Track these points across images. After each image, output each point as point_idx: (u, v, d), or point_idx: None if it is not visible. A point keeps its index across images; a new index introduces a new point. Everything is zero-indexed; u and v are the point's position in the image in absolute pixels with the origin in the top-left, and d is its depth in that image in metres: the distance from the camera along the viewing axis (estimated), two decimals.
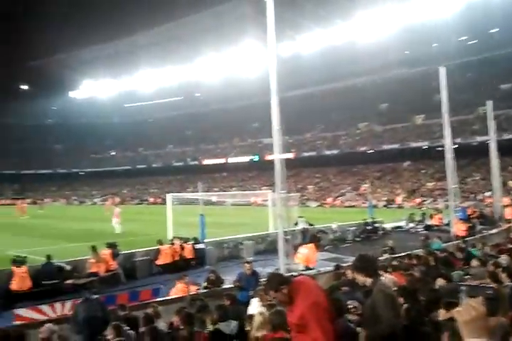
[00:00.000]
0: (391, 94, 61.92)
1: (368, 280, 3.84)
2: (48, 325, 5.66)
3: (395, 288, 5.41)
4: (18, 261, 11.19)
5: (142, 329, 5.64)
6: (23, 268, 11.11)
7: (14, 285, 10.87)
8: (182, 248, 15.09)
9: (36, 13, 73.01)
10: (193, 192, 46.88)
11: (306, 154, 60.70)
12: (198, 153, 76.47)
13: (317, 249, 12.18)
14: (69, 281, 11.79)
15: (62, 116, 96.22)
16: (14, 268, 10.97)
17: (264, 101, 17.06)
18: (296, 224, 17.82)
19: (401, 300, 4.73)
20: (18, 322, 7.35)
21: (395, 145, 53.64)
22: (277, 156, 11.84)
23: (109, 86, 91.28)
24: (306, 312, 3.59)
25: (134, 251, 14.61)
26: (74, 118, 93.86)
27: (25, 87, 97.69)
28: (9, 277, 10.99)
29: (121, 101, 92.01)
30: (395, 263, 9.05)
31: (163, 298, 8.53)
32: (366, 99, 63.35)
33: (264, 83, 15.20)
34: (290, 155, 49.64)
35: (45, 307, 7.94)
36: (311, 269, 11.83)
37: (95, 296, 7.11)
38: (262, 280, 8.40)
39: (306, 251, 11.35)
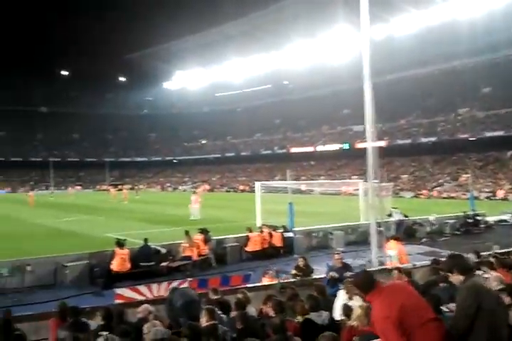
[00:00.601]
0: (495, 77, 57.16)
1: (461, 278, 3.82)
2: (145, 305, 5.98)
3: (501, 286, 5.02)
4: (121, 243, 11.97)
5: (233, 313, 5.75)
6: (125, 250, 11.88)
7: (115, 265, 11.65)
8: (271, 236, 15.24)
9: (131, 8, 76.93)
10: (280, 180, 47.34)
11: (400, 142, 58.27)
12: (285, 141, 76.63)
13: (401, 242, 11.59)
14: (164, 264, 12.42)
15: (156, 106, 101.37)
16: (117, 250, 11.75)
17: (355, 87, 16.54)
18: (390, 215, 17.24)
19: (507, 299, 4.43)
20: (118, 301, 7.86)
21: (499, 133, 49.54)
22: (370, 144, 11.43)
23: (200, 76, 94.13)
24: (377, 323, 3.60)
25: (224, 237, 15.03)
26: (167, 108, 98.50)
27: (122, 79, 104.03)
28: (111, 258, 11.80)
29: (211, 91, 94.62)
30: (499, 259, 8.36)
31: (253, 285, 8.66)
32: (467, 82, 59.08)
33: (355, 68, 14.69)
34: (383, 143, 47.91)
35: (142, 288, 8.41)
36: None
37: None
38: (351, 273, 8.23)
39: (394, 252, 10.84)
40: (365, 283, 3.77)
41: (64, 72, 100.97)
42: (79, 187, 65.97)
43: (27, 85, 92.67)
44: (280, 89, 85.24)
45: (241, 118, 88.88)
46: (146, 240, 12.70)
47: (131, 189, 57.07)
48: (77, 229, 21.40)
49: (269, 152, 75.61)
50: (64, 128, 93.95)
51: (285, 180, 25.78)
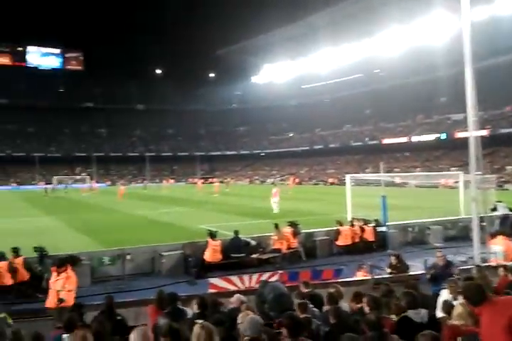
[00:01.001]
0: None
1: None
2: (237, 296, 6.11)
3: None
4: (213, 235, 12.38)
5: (326, 308, 5.68)
6: (217, 242, 12.27)
7: (207, 256, 12.08)
8: (362, 230, 14.88)
9: (218, 5, 78.75)
10: (371, 172, 46.03)
11: (504, 131, 54.00)
12: (377, 132, 74.35)
13: (509, 238, 10.70)
14: (254, 256, 12.64)
15: (245, 100, 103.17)
16: (210, 241, 12.17)
17: (453, 73, 15.61)
18: (493, 209, 16.03)
19: None
20: (211, 291, 8.13)
21: None
22: (472, 133, 10.67)
23: (288, 69, 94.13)
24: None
25: (314, 230, 14.93)
26: (255, 102, 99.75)
27: (212, 75, 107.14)
28: (203, 249, 12.24)
29: (298, 83, 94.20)
30: None
31: (346, 279, 8.51)
32: None
33: (452, 53, 13.84)
34: (485, 132, 44.68)
35: (234, 279, 8.62)
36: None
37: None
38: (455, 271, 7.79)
39: (501, 249, 10.04)
40: (476, 295, 3.63)
41: (158, 71, 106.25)
42: (172, 181, 69.09)
43: (125, 85, 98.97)
44: (371, 78, 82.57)
45: (329, 109, 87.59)
46: (236, 232, 12.99)
47: (220, 182, 58.66)
48: (172, 220, 22.48)
49: (359, 143, 73.87)
50: (159, 124, 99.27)
51: (377, 173, 24.97)
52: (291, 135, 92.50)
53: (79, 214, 27.09)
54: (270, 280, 7.68)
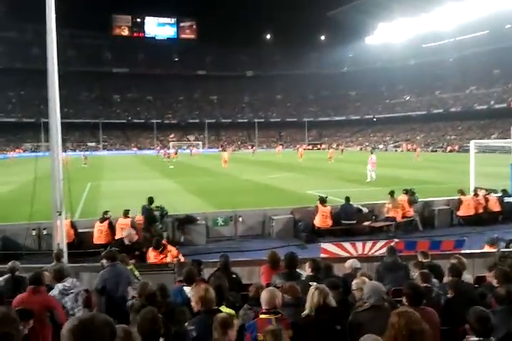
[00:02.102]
0: None
1: None
2: (352, 261, 6.04)
3: None
4: (323, 200, 12.35)
5: (446, 279, 5.42)
6: (327, 208, 12.21)
7: (317, 221, 12.12)
8: (486, 200, 13.85)
9: None
10: (499, 138, 42.32)
11: None
12: (506, 94, 67.70)
13: None
14: (366, 223, 12.40)
15: (357, 62, 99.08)
16: (320, 206, 12.17)
17: None
18: None
19: None
20: (323, 255, 8.16)
21: None
22: None
23: (405, 27, 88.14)
24: None
25: (433, 199, 14.22)
26: (369, 64, 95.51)
27: (323, 38, 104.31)
28: (313, 214, 12.29)
29: (417, 43, 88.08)
30: None
31: (468, 251, 8.02)
32: None
33: None
34: None
35: (347, 245, 8.54)
36: None
37: None
38: None
39: None
40: None
41: (268, 37, 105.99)
42: (281, 147, 69.76)
43: (235, 52, 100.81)
44: (500, 35, 74.30)
45: (452, 70, 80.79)
46: (347, 198, 12.80)
47: (333, 148, 57.74)
48: (282, 185, 22.82)
49: (484, 107, 67.98)
50: (268, 90, 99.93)
51: (505, 138, 22.87)
52: (408, 98, 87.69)
53: (192, 177, 28.66)
54: (384, 247, 7.47)
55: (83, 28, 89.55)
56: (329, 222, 12.18)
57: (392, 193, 12.88)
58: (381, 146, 72.32)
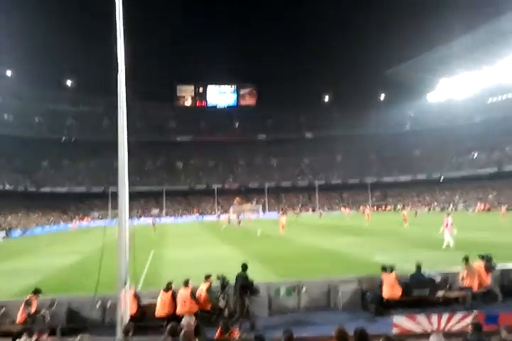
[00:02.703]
0: None
1: None
2: (436, 338, 5.65)
3: None
4: (386, 269, 11.79)
5: None
6: (392, 276, 11.65)
7: (385, 292, 11.52)
8: None
9: (381, 23, 78.00)
10: None
11: None
12: None
13: None
14: (440, 293, 11.66)
15: (420, 121, 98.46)
16: (384, 275, 11.63)
17: None
18: None
19: None
20: (395, 330, 7.67)
21: None
22: None
23: (468, 82, 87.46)
24: None
25: (508, 263, 13.25)
26: (431, 122, 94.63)
27: (382, 97, 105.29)
28: (380, 283, 11.73)
29: (482, 98, 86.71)
30: None
31: None
32: None
33: None
34: None
35: (421, 318, 8.01)
36: None
37: None
38: None
39: None
40: None
41: (326, 98, 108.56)
42: (348, 209, 68.62)
43: (293, 114, 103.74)
44: None
45: None
46: (418, 266, 12.17)
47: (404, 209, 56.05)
48: (348, 251, 22.17)
49: None
50: (328, 151, 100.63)
51: None
52: (476, 155, 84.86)
53: (254, 244, 28.52)
54: (463, 321, 6.95)
55: (149, 99, 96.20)
56: (398, 293, 11.55)
57: (466, 259, 12.13)
58: (451, 206, 69.37)
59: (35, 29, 72.55)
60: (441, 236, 23.01)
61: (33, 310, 9.79)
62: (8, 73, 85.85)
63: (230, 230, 43.20)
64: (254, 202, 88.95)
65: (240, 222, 49.44)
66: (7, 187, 70.89)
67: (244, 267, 11.02)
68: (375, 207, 79.15)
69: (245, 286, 10.59)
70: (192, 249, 27.01)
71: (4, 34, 65.32)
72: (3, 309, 10.34)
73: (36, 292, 10.25)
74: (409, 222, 39.25)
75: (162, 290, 10.51)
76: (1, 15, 63.78)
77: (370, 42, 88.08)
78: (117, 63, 7.88)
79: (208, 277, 10.94)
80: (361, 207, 72.86)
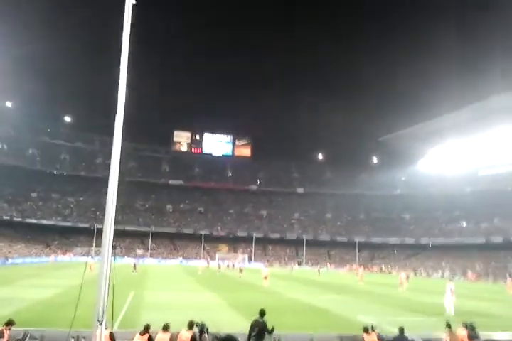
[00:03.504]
0: None
1: None
2: None
3: None
4: (366, 329, 11.54)
5: None
6: (373, 337, 11.37)
7: None
8: None
9: (379, 94, 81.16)
10: None
11: None
12: None
13: None
14: None
15: (411, 186, 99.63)
16: (365, 336, 11.36)
17: None
18: None
19: None
20: None
21: None
22: None
23: (459, 153, 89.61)
24: None
25: (494, 333, 13.05)
26: (422, 188, 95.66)
27: (374, 161, 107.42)
28: None
29: (474, 170, 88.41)
30: None
31: None
32: None
33: None
34: None
35: None
36: None
37: None
38: None
39: None
40: None
41: (319, 156, 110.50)
42: (331, 266, 67.76)
43: (286, 169, 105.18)
44: None
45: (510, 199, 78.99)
46: (401, 329, 11.95)
47: (380, 271, 55.43)
48: (329, 307, 21.74)
49: None
50: (318, 208, 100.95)
51: None
52: (465, 225, 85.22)
53: (237, 292, 27.97)
54: None
55: (145, 142, 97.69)
56: None
57: (449, 326, 11.94)
58: (436, 274, 68.70)
59: (39, 63, 74.73)
60: (438, 301, 22.81)
61: None
62: (9, 104, 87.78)
63: (214, 277, 42.41)
64: (241, 251, 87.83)
65: (219, 268, 48.88)
66: None
67: (262, 313, 10.80)
68: (362, 267, 78.13)
69: (262, 333, 10.39)
70: (173, 293, 26.45)
71: (7, 66, 66.91)
72: None
73: (9, 323, 9.89)
74: (397, 285, 38.70)
75: (138, 334, 10.21)
76: (4, 47, 65.44)
77: (367, 108, 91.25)
78: (117, 104, 8.09)
79: (191, 325, 10.63)
80: (353, 266, 72.16)
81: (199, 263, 56.60)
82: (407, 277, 47.84)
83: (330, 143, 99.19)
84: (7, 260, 55.30)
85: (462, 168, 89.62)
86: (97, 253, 65.40)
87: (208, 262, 63.43)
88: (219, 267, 49.71)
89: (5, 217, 73.27)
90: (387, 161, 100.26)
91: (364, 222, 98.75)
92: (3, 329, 9.59)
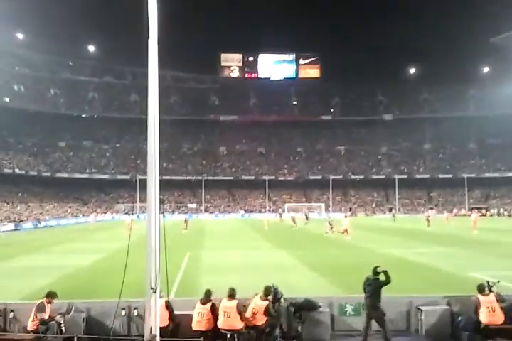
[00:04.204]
0: None
1: None
2: None
3: None
4: (482, 289, 11.41)
5: None
6: (491, 297, 11.30)
7: (484, 317, 11.22)
8: None
9: None
10: None
11: None
12: None
13: None
14: None
15: None
16: (481, 297, 11.28)
17: None
18: None
19: None
20: None
21: None
22: None
23: None
24: None
25: None
26: None
27: (484, 70, 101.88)
28: (476, 306, 11.44)
29: None
30: None
31: None
32: None
33: None
34: None
35: None
36: None
37: None
38: None
39: None
40: None
41: (411, 72, 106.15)
42: (433, 211, 67.57)
43: (368, 91, 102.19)
44: None
45: None
46: None
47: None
48: (433, 263, 21.75)
49: None
50: (413, 138, 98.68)
51: None
52: None
53: (313, 249, 28.51)
54: None
55: (187, 69, 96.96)
56: (500, 319, 11.24)
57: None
58: None
59: None
60: None
61: (46, 316, 10.15)
62: (20, 36, 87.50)
63: (287, 232, 43.43)
64: (315, 199, 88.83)
65: (294, 221, 49.74)
66: (17, 171, 73.48)
67: (376, 271, 11.04)
68: (473, 211, 77.10)
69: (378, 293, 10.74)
70: (237, 251, 27.36)
71: None
72: (12, 314, 10.85)
73: (50, 295, 10.61)
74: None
75: (199, 302, 10.68)
76: None
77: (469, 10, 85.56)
78: (148, 27, 7.98)
79: (268, 292, 10.92)
80: (457, 210, 71.45)
81: (266, 217, 57.75)
82: None
83: (424, 53, 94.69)
84: (39, 223, 58.55)
85: None
86: (143, 210, 68.33)
87: (280, 214, 64.83)
88: (293, 220, 50.55)
89: (32, 173, 77.01)
90: (502, 70, 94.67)
91: (475, 153, 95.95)
92: (43, 302, 10.34)
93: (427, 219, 49.29)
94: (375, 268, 11.00)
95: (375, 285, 10.77)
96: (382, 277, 10.80)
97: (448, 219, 53.79)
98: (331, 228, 39.35)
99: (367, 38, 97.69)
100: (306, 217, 58.92)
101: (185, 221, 47.34)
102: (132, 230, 10.97)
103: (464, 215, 66.49)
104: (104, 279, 17.71)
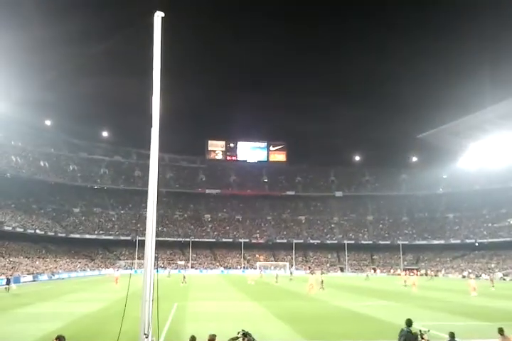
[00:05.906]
0: None
1: None
2: None
3: None
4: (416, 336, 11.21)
5: None
6: None
7: None
8: None
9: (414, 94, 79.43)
10: None
11: None
12: None
13: None
14: None
15: (453, 184, 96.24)
16: None
17: None
18: None
19: None
20: None
21: None
22: None
23: (504, 147, 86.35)
24: None
25: None
26: (466, 185, 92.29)
27: (415, 159, 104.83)
28: None
29: None
30: None
31: None
32: None
33: None
34: None
35: None
36: None
37: None
38: None
39: None
40: None
41: (356, 158, 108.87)
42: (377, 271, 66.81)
43: (323, 173, 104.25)
44: None
45: None
46: (452, 335, 11.59)
47: (425, 274, 53.95)
48: (376, 314, 21.32)
49: None
50: (358, 211, 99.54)
51: None
52: None
53: (280, 301, 27.80)
54: None
55: (181, 153, 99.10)
56: None
57: (501, 330, 11.49)
58: (484, 275, 66.35)
59: (76, 82, 76.98)
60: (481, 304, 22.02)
61: None
62: (48, 123, 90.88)
63: (256, 286, 42.33)
64: (281, 259, 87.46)
65: (277, 278, 48.70)
66: (37, 231, 72.19)
67: (409, 323, 10.57)
68: (406, 271, 76.35)
69: None
70: (217, 302, 26.53)
71: (44, 84, 69.34)
72: None
73: (59, 338, 10.14)
74: (440, 288, 37.66)
75: None
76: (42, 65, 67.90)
77: (403, 106, 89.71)
78: (151, 118, 8.25)
79: (245, 336, 10.45)
80: (394, 270, 70.61)
81: (249, 273, 56.16)
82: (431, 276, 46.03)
83: (366, 145, 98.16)
84: (53, 275, 56.69)
85: (506, 162, 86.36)
86: (139, 266, 66.38)
87: (261, 271, 63.77)
88: (276, 277, 49.44)
89: (49, 233, 75.36)
90: (427, 159, 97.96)
91: (407, 224, 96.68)
92: None
93: (367, 276, 48.66)
94: (409, 320, 10.44)
95: (408, 338, 10.22)
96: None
97: (406, 279, 47.66)
98: (291, 279, 38.67)
99: (324, 133, 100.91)
100: (291, 273, 58.17)
101: (184, 277, 45.91)
102: (131, 282, 10.59)
103: (399, 274, 65.64)
104: (106, 325, 16.97)
